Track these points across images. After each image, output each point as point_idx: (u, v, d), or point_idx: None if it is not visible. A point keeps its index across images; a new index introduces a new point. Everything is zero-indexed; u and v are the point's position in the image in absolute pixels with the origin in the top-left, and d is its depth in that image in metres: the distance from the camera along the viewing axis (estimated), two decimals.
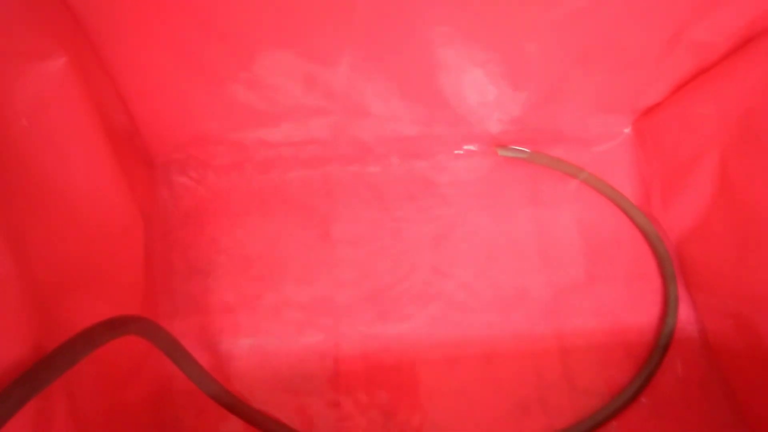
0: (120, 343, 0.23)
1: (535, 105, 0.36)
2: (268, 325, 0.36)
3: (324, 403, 0.35)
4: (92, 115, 0.25)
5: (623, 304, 0.38)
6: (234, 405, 0.32)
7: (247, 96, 0.32)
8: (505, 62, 0.32)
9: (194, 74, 0.30)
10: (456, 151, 0.41)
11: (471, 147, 0.41)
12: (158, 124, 0.34)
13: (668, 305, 0.38)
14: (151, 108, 0.32)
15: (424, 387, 0.36)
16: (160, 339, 0.27)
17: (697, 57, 0.33)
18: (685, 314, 0.38)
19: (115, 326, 0.22)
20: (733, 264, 0.34)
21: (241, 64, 0.30)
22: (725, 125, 0.33)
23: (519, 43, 0.30)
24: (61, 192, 0.24)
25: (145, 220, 0.32)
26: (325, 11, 0.26)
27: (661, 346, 0.37)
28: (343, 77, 0.31)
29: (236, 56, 0.29)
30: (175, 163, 0.38)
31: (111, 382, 0.27)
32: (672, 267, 0.39)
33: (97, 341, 0.20)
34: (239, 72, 0.30)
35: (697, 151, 0.35)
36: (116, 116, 0.30)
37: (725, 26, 0.31)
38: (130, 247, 0.31)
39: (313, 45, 0.29)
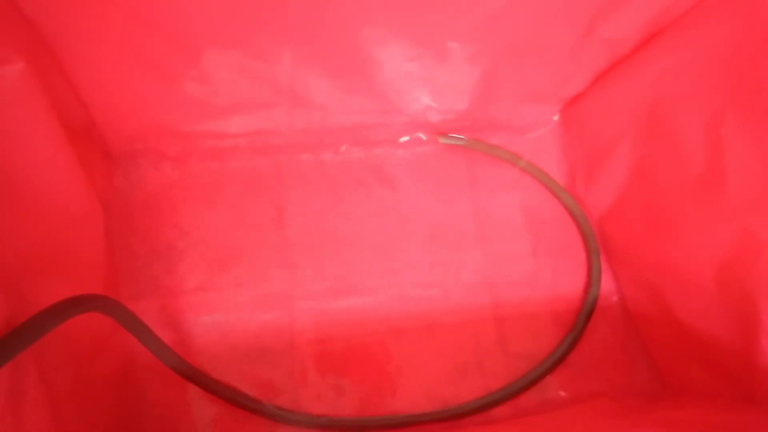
0: (85, 320, 0.25)
1: (468, 97, 0.39)
2: (226, 303, 0.39)
3: (280, 374, 0.38)
4: (50, 112, 0.27)
5: (552, 276, 0.42)
6: (194, 376, 0.35)
7: (198, 90, 0.34)
8: (434, 59, 0.35)
9: (146, 71, 0.32)
10: (400, 139, 0.44)
11: (414, 135, 0.44)
12: (114, 118, 0.36)
13: (592, 277, 0.42)
14: (106, 103, 0.34)
15: (372, 356, 0.39)
16: (121, 315, 0.29)
17: (609, 51, 0.36)
18: (606, 285, 0.42)
19: (78, 303, 0.24)
20: (644, 238, 0.38)
21: (189, 62, 0.32)
22: (636, 113, 0.37)
23: (444, 42, 0.33)
24: (24, 183, 0.26)
25: (105, 207, 0.34)
26: (261, 13, 0.29)
27: (585, 313, 0.41)
28: (287, 73, 0.34)
29: (184, 55, 0.31)
30: (134, 154, 0.40)
31: (77, 357, 0.29)
32: (596, 243, 0.42)
33: (62, 316, 0.23)
34: (188, 69, 0.32)
35: (613, 137, 0.39)
36: (74, 112, 0.32)
37: (631, 24, 0.34)
38: (90, 232, 0.33)
39: (254, 44, 0.31)
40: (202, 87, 0.34)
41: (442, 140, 0.43)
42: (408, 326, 0.40)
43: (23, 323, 0.21)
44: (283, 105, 0.37)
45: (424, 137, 0.44)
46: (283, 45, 0.32)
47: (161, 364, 0.34)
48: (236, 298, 0.39)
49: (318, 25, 0.30)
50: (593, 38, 0.35)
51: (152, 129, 0.38)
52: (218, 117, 0.37)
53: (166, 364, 0.34)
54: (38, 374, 0.24)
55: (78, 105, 0.33)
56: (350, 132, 0.42)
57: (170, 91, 0.34)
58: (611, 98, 0.39)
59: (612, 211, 0.41)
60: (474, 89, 0.38)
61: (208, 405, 0.37)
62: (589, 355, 0.40)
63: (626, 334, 0.41)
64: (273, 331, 0.39)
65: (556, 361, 0.39)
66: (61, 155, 0.29)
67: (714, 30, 0.31)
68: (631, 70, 0.36)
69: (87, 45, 0.29)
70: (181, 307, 0.39)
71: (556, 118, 0.45)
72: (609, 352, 0.41)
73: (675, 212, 0.34)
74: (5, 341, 0.20)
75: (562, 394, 0.39)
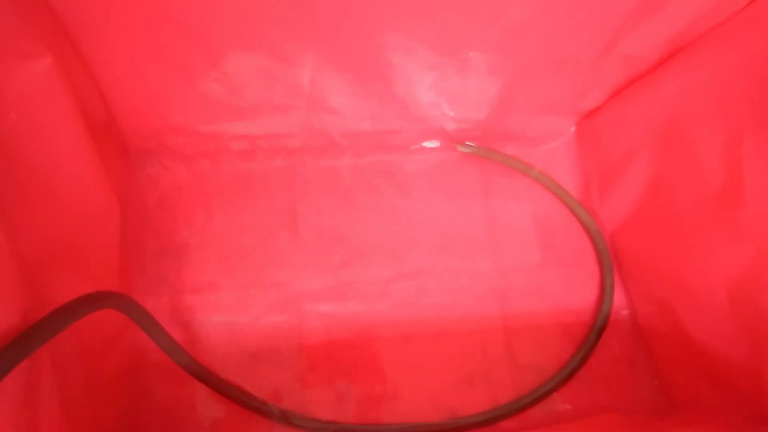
0: (98, 316, 0.25)
1: (487, 107, 0.39)
2: (236, 303, 0.39)
3: (289, 376, 0.38)
4: (73, 109, 0.27)
5: (562, 288, 0.42)
6: (203, 375, 0.35)
7: (218, 92, 0.34)
8: (455, 68, 0.35)
9: (168, 71, 0.32)
10: (415, 146, 0.44)
11: (430, 143, 0.44)
12: (134, 116, 0.36)
13: (604, 292, 0.41)
14: (127, 101, 0.34)
15: (380, 362, 0.39)
16: (135, 313, 0.29)
17: (628, 68, 0.36)
18: (617, 299, 0.42)
19: (95, 300, 0.24)
20: (657, 254, 0.38)
21: (212, 63, 0.32)
22: (652, 129, 0.37)
23: (466, 52, 0.33)
24: (45, 178, 0.26)
25: (121, 204, 0.34)
26: (287, 18, 0.29)
27: (596, 329, 0.40)
28: (308, 77, 0.34)
29: (207, 56, 0.31)
30: (150, 152, 0.40)
31: (89, 353, 0.30)
32: (609, 259, 0.42)
33: (79, 313, 0.23)
34: (210, 70, 0.32)
35: (628, 152, 0.39)
36: (95, 109, 0.32)
37: (651, 41, 0.34)
38: (106, 229, 0.33)
39: (278, 48, 0.31)
40: (224, 88, 0.34)
41: (460, 148, 0.43)
42: (416, 333, 0.40)
43: (42, 319, 0.21)
44: (302, 108, 0.38)
45: (440, 145, 0.44)
46: (307, 49, 0.32)
47: (169, 362, 0.34)
48: (246, 299, 0.39)
49: (342, 30, 0.30)
50: (613, 54, 0.35)
51: (170, 128, 0.38)
52: (236, 118, 0.38)
53: (176, 362, 0.34)
54: (53, 370, 0.25)
55: (100, 102, 0.33)
56: (366, 137, 0.42)
57: (191, 91, 0.34)
58: (628, 113, 0.38)
59: (625, 225, 0.41)
60: (492, 100, 0.39)
61: (214, 404, 0.37)
62: (597, 369, 0.40)
63: (635, 349, 0.41)
64: (281, 333, 0.39)
65: (566, 376, 0.39)
66: (82, 151, 0.29)
67: (734, 49, 0.31)
68: (649, 86, 0.36)
69: (111, 42, 0.30)
70: (192, 306, 0.39)
71: (572, 130, 0.45)
72: (617, 367, 0.40)
73: (690, 229, 0.34)
74: (24, 337, 0.21)
75: (569, 407, 0.39)
